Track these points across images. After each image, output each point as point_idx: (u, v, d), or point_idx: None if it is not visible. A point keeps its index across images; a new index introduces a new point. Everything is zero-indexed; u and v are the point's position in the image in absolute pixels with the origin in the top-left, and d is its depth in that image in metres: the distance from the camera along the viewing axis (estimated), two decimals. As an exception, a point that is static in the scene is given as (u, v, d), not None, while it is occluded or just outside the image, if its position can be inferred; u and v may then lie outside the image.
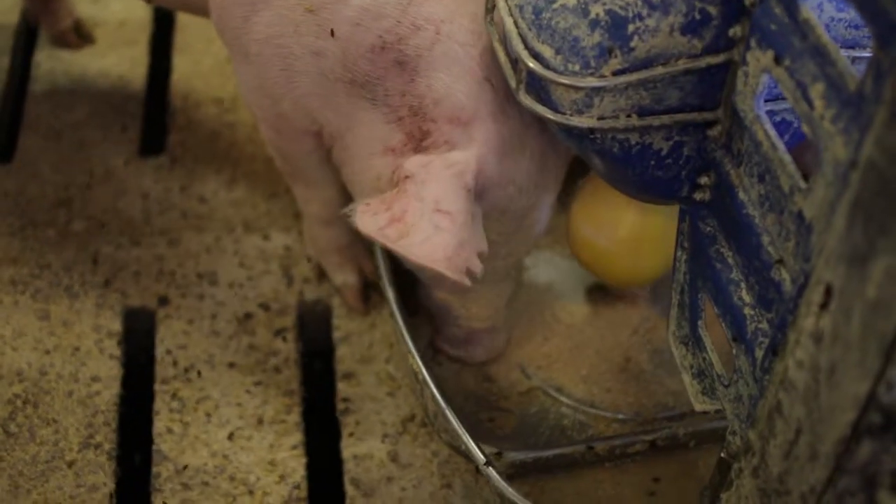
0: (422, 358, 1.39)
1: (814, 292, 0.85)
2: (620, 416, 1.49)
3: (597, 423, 1.49)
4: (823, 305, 0.83)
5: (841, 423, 0.83)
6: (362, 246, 1.60)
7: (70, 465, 1.46)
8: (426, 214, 1.18)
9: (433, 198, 1.20)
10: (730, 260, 1.14)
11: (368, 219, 1.21)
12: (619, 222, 1.42)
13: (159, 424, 1.51)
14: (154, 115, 1.98)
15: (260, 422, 1.51)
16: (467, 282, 1.19)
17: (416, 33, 1.26)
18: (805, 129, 0.93)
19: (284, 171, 1.55)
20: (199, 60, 2.02)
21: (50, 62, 2.05)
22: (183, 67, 2.02)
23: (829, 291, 0.82)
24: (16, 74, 2.05)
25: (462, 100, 1.26)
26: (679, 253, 1.26)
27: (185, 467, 1.46)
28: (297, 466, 1.46)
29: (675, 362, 1.28)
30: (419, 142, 1.28)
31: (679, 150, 1.12)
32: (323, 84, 1.32)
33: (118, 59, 2.05)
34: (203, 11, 1.46)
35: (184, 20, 2.07)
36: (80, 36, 2.07)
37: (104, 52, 2.06)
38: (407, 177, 1.23)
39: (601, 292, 1.64)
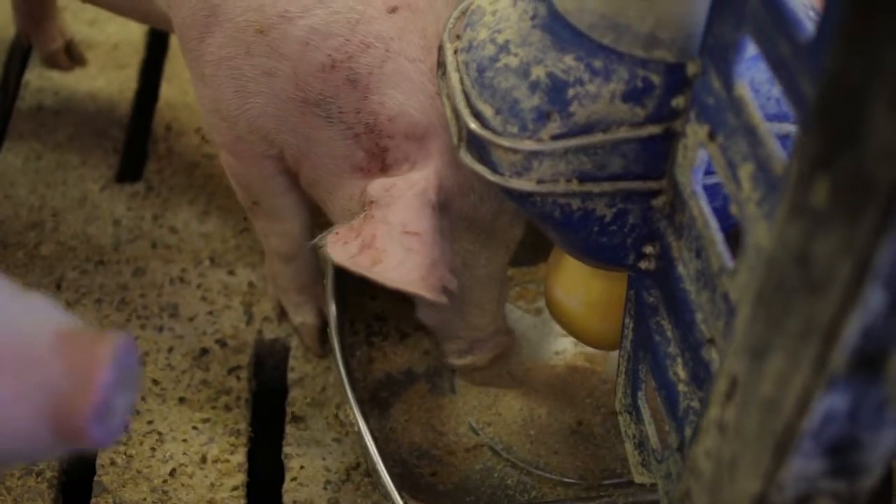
0: (363, 408, 1.37)
1: (722, 381, 0.83)
2: (566, 480, 1.46)
3: (541, 485, 1.46)
4: (729, 396, 0.81)
5: (737, 520, 0.80)
6: (323, 286, 1.58)
7: (9, 490, 1.45)
8: (395, 238, 1.19)
9: (400, 220, 1.20)
10: (669, 333, 1.12)
11: (340, 248, 1.21)
12: (587, 286, 1.39)
13: (103, 455, 1.49)
14: (136, 142, 1.97)
15: (203, 460, 1.49)
16: (444, 299, 1.20)
17: (365, 51, 1.26)
18: (734, 209, 0.91)
19: (245, 204, 1.54)
20: (186, 90, 2.01)
21: (39, 81, 2.04)
22: (169, 95, 2.01)
23: (734, 382, 0.80)
24: (7, 91, 2.04)
25: (415, 115, 1.26)
26: (627, 320, 1.24)
27: (123, 501, 1.44)
28: (235, 509, 1.44)
29: (626, 429, 1.26)
30: (381, 159, 1.29)
31: (624, 218, 1.10)
32: (277, 104, 1.31)
33: (107, 83, 2.04)
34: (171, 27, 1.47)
35: (177, 47, 2.07)
36: (71, 58, 2.07)
37: (94, 74, 2.06)
38: (372, 202, 1.24)
39: (564, 352, 1.61)
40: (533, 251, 1.49)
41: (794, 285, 0.68)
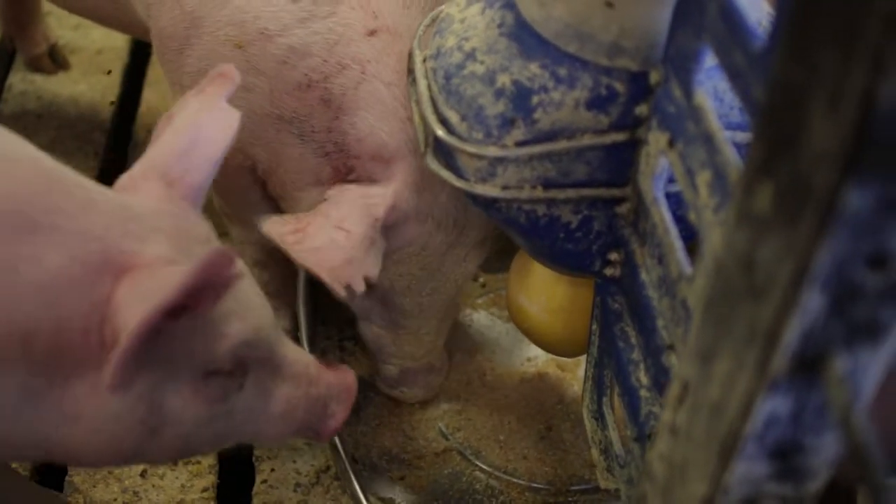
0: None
1: (675, 385, 0.84)
2: (534, 485, 1.47)
3: (509, 489, 1.47)
4: (681, 400, 0.82)
5: (686, 523, 0.81)
6: (296, 292, 1.59)
7: (-20, 490, 1.45)
8: (326, 228, 1.23)
9: (338, 216, 1.24)
10: (633, 339, 1.13)
11: (275, 226, 1.24)
12: (550, 293, 1.40)
13: (75, 456, 1.50)
14: (118, 146, 1.97)
15: (175, 461, 1.49)
16: (343, 293, 1.22)
17: (341, 72, 1.27)
18: (692, 216, 0.92)
19: (223, 211, 1.55)
20: (168, 94, 2.01)
21: (23, 85, 2.05)
22: (151, 100, 2.02)
23: (686, 387, 0.81)
24: (-8, 93, 2.05)
25: (384, 139, 1.27)
26: (594, 326, 1.25)
27: (95, 502, 1.44)
28: (204, 510, 1.45)
29: (595, 435, 1.27)
30: (345, 176, 1.30)
31: (589, 225, 1.11)
32: (252, 119, 1.32)
33: (90, 87, 2.05)
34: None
35: (159, 51, 2.08)
36: (55, 62, 2.07)
37: (77, 78, 2.07)
38: (325, 199, 1.27)
39: (535, 359, 1.62)
40: (506, 258, 1.49)
41: (739, 290, 0.69)
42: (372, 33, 1.27)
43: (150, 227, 1.02)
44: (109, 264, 0.98)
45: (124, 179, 1.08)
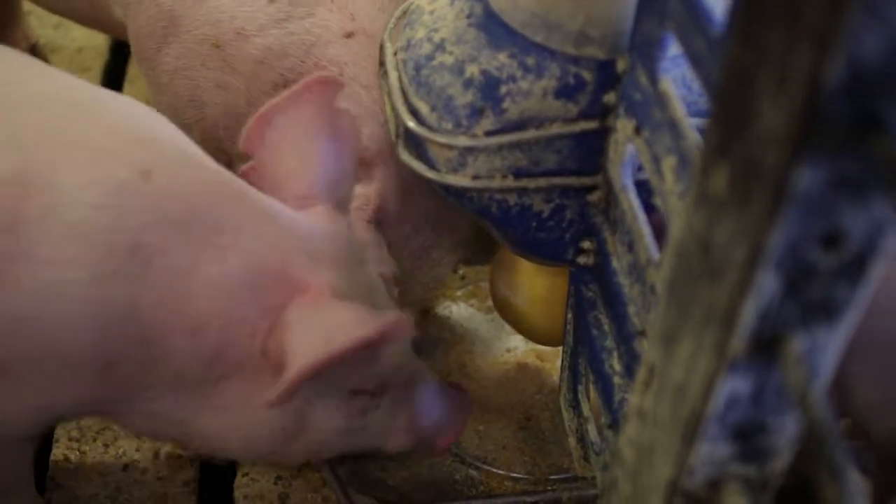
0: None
1: (643, 370, 0.84)
2: (513, 475, 1.47)
3: (489, 479, 1.47)
4: (647, 384, 0.82)
5: (653, 505, 0.82)
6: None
7: (-38, 487, 1.45)
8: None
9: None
10: (606, 327, 1.14)
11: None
12: (531, 282, 1.41)
13: (57, 452, 1.50)
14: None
15: (156, 455, 1.50)
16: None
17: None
18: (657, 201, 0.93)
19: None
20: (148, 94, 2.01)
21: (2, 82, 2.05)
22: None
23: (652, 370, 0.81)
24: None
25: (364, 141, 1.27)
26: (569, 315, 1.25)
27: (77, 497, 1.45)
28: (186, 503, 1.45)
29: (573, 424, 1.28)
30: None
31: (561, 214, 1.11)
32: (229, 117, 1.32)
33: (69, 84, 2.05)
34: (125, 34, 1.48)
35: (139, 48, 2.08)
36: (35, 61, 2.07)
37: (57, 76, 2.06)
38: None
39: (515, 349, 1.62)
40: (486, 250, 1.50)
41: (698, 272, 0.69)
42: (349, 35, 1.28)
43: (317, 247, 1.08)
44: (284, 276, 1.05)
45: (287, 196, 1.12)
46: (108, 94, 1.10)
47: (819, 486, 0.61)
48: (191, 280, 1.01)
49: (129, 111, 1.08)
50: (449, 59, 1.07)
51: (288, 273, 1.05)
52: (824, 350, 0.66)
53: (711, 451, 0.74)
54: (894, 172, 0.55)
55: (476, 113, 1.05)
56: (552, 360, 1.60)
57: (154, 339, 1.02)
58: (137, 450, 1.50)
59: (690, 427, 0.73)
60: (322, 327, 1.01)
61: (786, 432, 0.73)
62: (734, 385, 0.69)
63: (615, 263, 1.06)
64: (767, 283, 0.62)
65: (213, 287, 1.02)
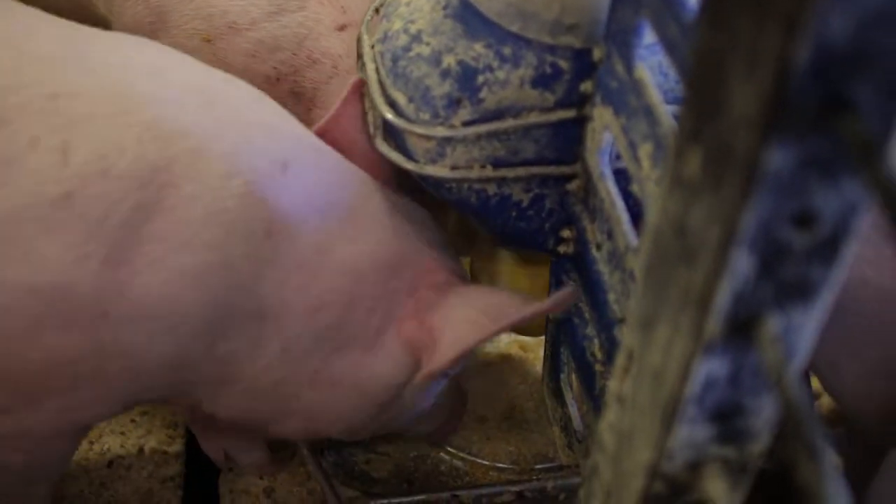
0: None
1: (621, 355, 0.85)
2: (498, 465, 1.48)
3: (474, 470, 1.48)
4: (626, 369, 0.83)
5: (634, 489, 0.82)
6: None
7: (-53, 487, 1.45)
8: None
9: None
10: (586, 315, 1.14)
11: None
12: (511, 272, 1.41)
13: (41, 450, 1.50)
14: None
15: (141, 452, 1.50)
16: None
17: (312, 67, 1.27)
18: (635, 188, 0.93)
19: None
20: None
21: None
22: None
23: (630, 356, 0.82)
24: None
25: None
26: (550, 305, 1.26)
27: (62, 494, 1.45)
28: (172, 498, 1.45)
29: (557, 413, 1.28)
30: None
31: (540, 203, 1.12)
32: None
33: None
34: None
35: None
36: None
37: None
38: None
39: (498, 340, 1.63)
40: (467, 240, 1.50)
41: (673, 256, 0.70)
42: (342, 28, 1.28)
43: (433, 232, 1.21)
44: (408, 260, 1.14)
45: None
46: (238, 84, 1.14)
47: (796, 466, 0.61)
48: (320, 263, 1.08)
49: (260, 103, 1.14)
50: (426, 50, 1.07)
51: (411, 257, 1.14)
52: (800, 330, 0.67)
53: (690, 433, 0.74)
54: (863, 152, 0.56)
55: (453, 103, 1.05)
56: (535, 350, 1.61)
57: (270, 316, 1.08)
58: (122, 446, 1.50)
59: (669, 410, 0.74)
60: (480, 308, 1.11)
61: (764, 414, 0.74)
62: (711, 367, 0.69)
63: (594, 252, 1.07)
64: (741, 264, 0.63)
65: (341, 269, 1.10)
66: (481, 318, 1.10)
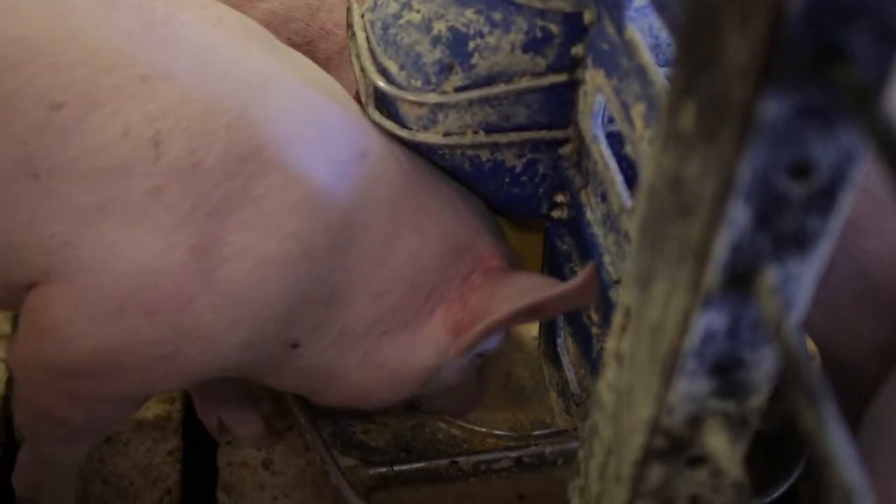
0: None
1: (618, 314, 0.85)
2: (496, 433, 1.49)
3: (472, 438, 1.48)
4: (624, 327, 0.83)
5: (635, 446, 0.83)
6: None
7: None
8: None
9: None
10: (581, 279, 1.14)
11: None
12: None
13: (40, 428, 1.50)
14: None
15: (139, 426, 1.50)
16: None
17: (325, 38, 1.28)
18: (628, 149, 0.94)
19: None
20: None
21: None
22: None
23: (628, 313, 0.82)
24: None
25: None
26: (544, 270, 1.26)
27: (61, 472, 1.45)
28: (170, 472, 1.46)
29: (553, 379, 1.29)
30: None
31: (533, 168, 1.12)
32: None
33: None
34: None
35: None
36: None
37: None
38: None
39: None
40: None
41: (669, 211, 0.70)
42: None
43: (493, 223, 1.23)
44: (469, 249, 1.17)
45: None
46: (315, 69, 1.16)
47: (797, 414, 0.62)
48: (387, 252, 1.11)
49: (338, 92, 1.15)
50: (416, 17, 1.07)
51: (470, 244, 1.17)
52: (798, 281, 0.67)
53: (690, 387, 0.75)
54: (859, 100, 0.56)
55: (445, 69, 1.05)
56: (529, 318, 1.61)
57: (336, 300, 1.11)
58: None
59: (668, 365, 0.74)
60: (516, 287, 1.13)
61: (763, 366, 0.74)
62: (710, 320, 0.70)
63: (589, 215, 1.07)
64: (739, 215, 0.63)
65: (408, 258, 1.13)
66: (514, 296, 1.12)
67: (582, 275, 1.04)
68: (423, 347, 1.18)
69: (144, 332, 1.04)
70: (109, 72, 0.98)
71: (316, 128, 1.07)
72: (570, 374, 1.23)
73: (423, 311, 1.17)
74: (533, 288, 1.13)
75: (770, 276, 0.66)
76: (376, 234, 1.11)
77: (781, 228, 0.64)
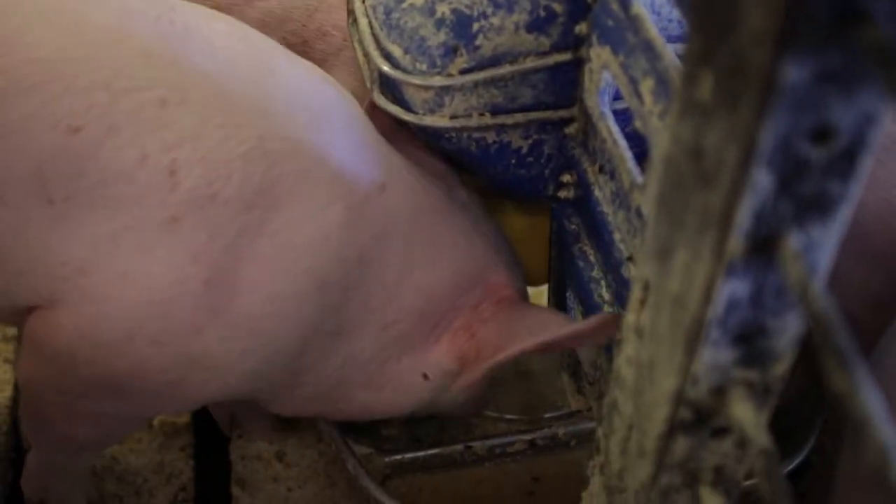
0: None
1: (636, 288, 0.85)
2: (507, 417, 1.49)
3: (484, 423, 1.49)
4: (643, 301, 0.84)
5: (658, 419, 0.83)
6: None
7: (-40, 468, 1.46)
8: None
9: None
10: (591, 258, 1.15)
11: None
12: (510, 223, 1.42)
13: (51, 428, 1.50)
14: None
15: (150, 424, 1.50)
16: None
17: (322, 38, 1.28)
18: (638, 124, 0.94)
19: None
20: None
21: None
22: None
23: (647, 287, 0.82)
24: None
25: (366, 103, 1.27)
26: (552, 251, 1.27)
27: (74, 471, 1.45)
28: (184, 468, 1.46)
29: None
30: None
31: (540, 149, 1.12)
32: None
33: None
34: None
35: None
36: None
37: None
38: None
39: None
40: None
41: (689, 181, 0.70)
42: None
43: (508, 255, 1.25)
44: (481, 281, 1.18)
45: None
46: (338, 91, 1.14)
47: (828, 376, 0.62)
48: (400, 285, 1.12)
49: (359, 116, 1.14)
50: (419, 1, 1.08)
51: (484, 277, 1.18)
52: (820, 246, 0.67)
53: (714, 356, 0.75)
54: (881, 61, 0.56)
55: (450, 52, 1.05)
56: (538, 300, 1.61)
57: (345, 331, 1.11)
58: (131, 420, 1.50)
59: (692, 335, 0.74)
60: (525, 323, 1.14)
61: (786, 334, 0.74)
62: (733, 288, 0.70)
63: (597, 193, 1.07)
64: (761, 182, 0.63)
65: (419, 291, 1.13)
66: (523, 333, 1.13)
67: (597, 318, 1.05)
68: (427, 371, 1.20)
69: (152, 361, 1.03)
70: (129, 94, 0.96)
71: (336, 160, 1.05)
72: (581, 353, 1.23)
73: (430, 338, 1.18)
74: (542, 324, 1.14)
75: (793, 241, 0.66)
76: (390, 268, 1.11)
77: (803, 193, 0.65)
